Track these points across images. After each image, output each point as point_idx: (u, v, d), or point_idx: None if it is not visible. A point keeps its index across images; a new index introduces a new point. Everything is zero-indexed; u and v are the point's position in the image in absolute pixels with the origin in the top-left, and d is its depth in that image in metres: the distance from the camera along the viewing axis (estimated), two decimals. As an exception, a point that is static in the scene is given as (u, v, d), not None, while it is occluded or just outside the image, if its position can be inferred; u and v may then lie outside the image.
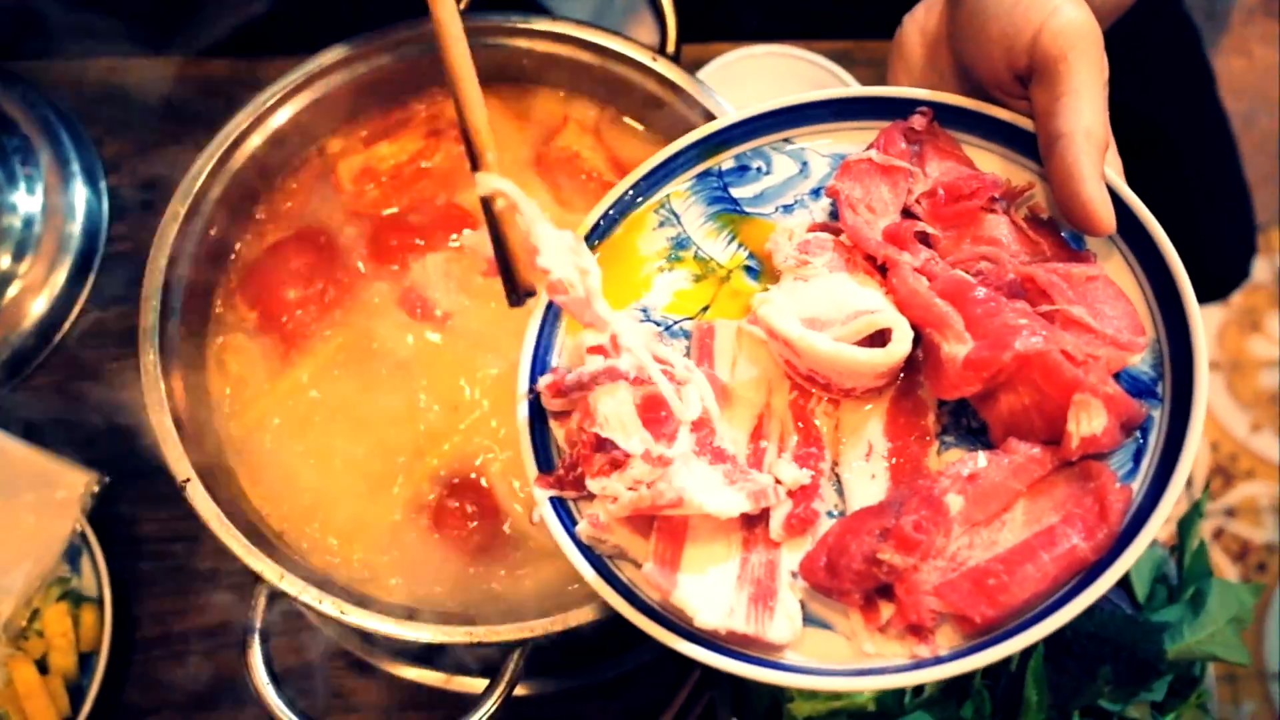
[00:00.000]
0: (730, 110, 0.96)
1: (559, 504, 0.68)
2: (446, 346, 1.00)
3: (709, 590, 0.63)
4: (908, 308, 0.65)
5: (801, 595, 0.64)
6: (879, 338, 0.65)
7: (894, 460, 0.65)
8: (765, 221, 0.75)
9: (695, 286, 0.76)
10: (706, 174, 0.78)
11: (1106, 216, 0.64)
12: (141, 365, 0.91)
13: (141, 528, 1.08)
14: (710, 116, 0.95)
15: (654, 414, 0.64)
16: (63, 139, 1.18)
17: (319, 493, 0.96)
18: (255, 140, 1.00)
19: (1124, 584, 0.94)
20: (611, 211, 0.77)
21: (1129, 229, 0.66)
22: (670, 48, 0.98)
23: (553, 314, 0.74)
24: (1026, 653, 0.86)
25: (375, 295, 1.01)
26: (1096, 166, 0.64)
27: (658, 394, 0.64)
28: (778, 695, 0.93)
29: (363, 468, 0.97)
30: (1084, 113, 0.65)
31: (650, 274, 0.76)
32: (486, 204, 0.64)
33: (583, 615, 0.81)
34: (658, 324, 0.74)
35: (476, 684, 1.01)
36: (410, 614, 0.86)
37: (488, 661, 0.87)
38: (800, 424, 0.68)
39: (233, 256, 1.04)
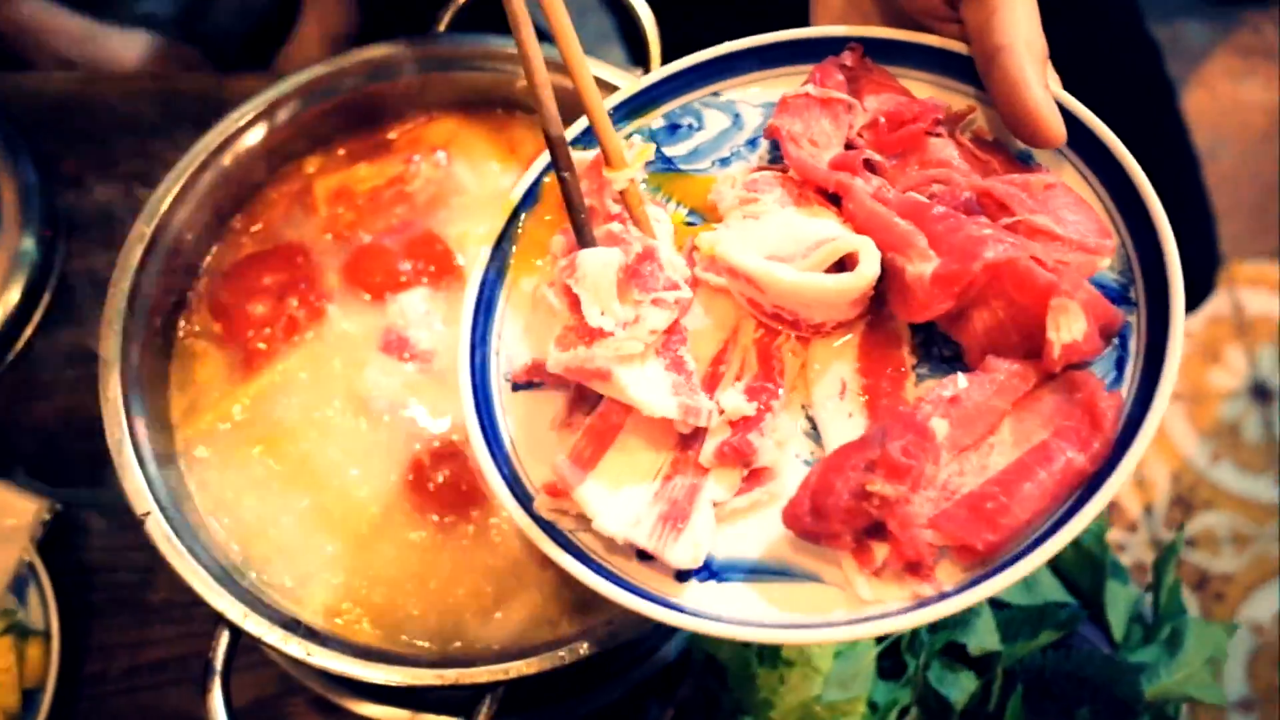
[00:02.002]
0: None
1: (513, 482, 0.63)
2: (427, 384, 0.95)
3: (619, 498, 0.59)
4: (866, 231, 0.61)
5: (780, 552, 0.59)
6: (844, 267, 0.61)
7: (869, 397, 0.61)
8: (700, 177, 0.71)
9: (635, 247, 0.71)
10: (636, 135, 0.74)
11: (1056, 125, 0.62)
12: (102, 396, 0.86)
13: (93, 557, 1.01)
14: None
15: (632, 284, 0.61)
16: (19, 154, 1.11)
17: (282, 520, 0.91)
18: (226, 159, 0.97)
19: (1101, 622, 0.93)
20: (544, 178, 0.72)
21: (1079, 139, 0.63)
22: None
23: (490, 280, 0.69)
24: (1005, 692, 0.84)
25: (349, 322, 0.96)
26: (1041, 75, 0.62)
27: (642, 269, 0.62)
28: None
29: (330, 495, 0.92)
30: (1021, 23, 0.63)
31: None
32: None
33: (557, 658, 0.77)
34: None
35: (445, 722, 0.95)
36: (380, 655, 0.80)
37: (457, 700, 0.81)
38: (763, 360, 0.63)
39: (203, 267, 0.99)
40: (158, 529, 0.82)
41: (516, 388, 0.67)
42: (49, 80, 1.20)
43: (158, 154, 0.98)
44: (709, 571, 0.59)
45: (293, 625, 0.79)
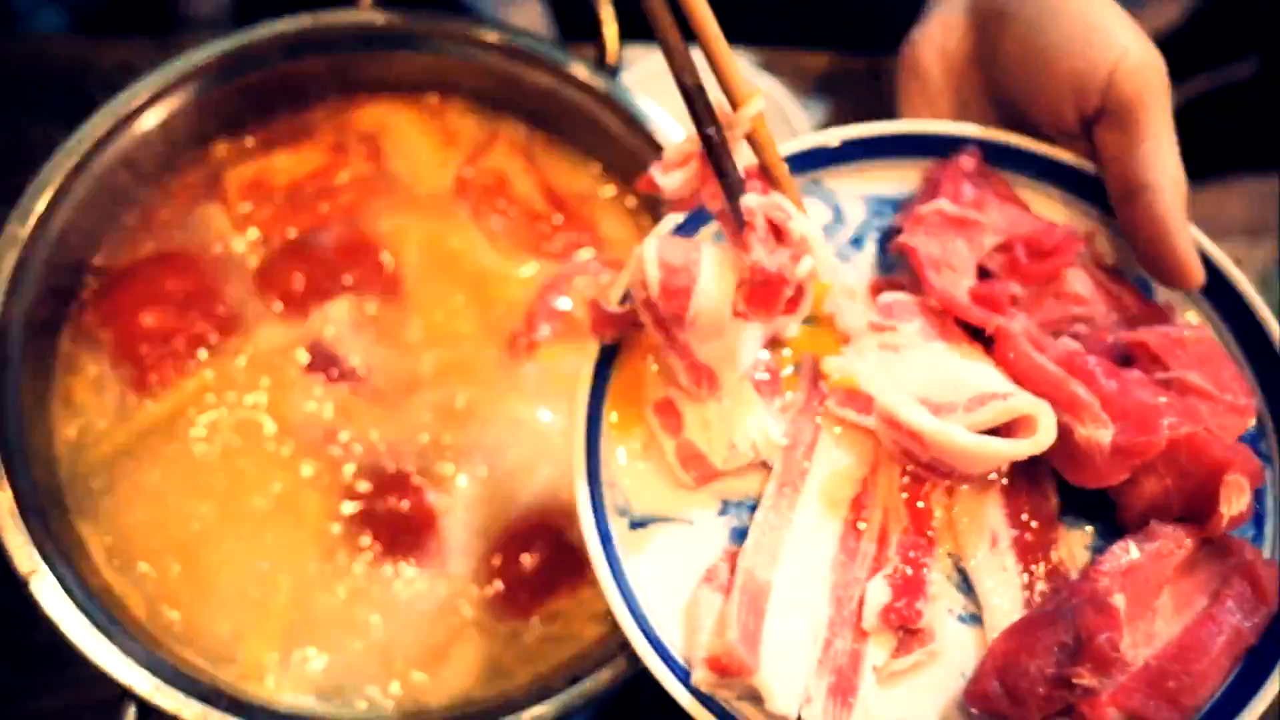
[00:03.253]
0: (679, 134, 0.85)
1: (658, 645, 0.58)
2: (361, 406, 0.83)
3: (787, 672, 0.56)
4: (1030, 384, 0.59)
5: (951, 715, 0.58)
6: (1007, 422, 0.59)
7: (1022, 549, 0.60)
8: (823, 284, 0.66)
9: (747, 359, 0.66)
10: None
11: (1199, 272, 0.62)
12: None
13: None
14: (654, 143, 0.84)
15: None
16: None
17: (199, 567, 0.80)
18: (118, 145, 0.83)
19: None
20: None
21: (1209, 283, 0.64)
22: (611, 59, 0.85)
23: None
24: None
25: (266, 337, 0.83)
26: (1185, 218, 0.62)
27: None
28: None
29: (251, 535, 0.81)
30: (1168, 161, 0.62)
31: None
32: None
33: None
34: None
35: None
36: None
37: None
38: (913, 513, 0.61)
39: (89, 273, 0.84)
40: (46, 590, 0.72)
41: (634, 525, 0.62)
42: None
43: (21, 134, 0.80)
44: (877, 742, 0.57)
45: (213, 697, 0.71)
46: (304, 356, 0.84)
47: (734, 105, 0.56)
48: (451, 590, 0.80)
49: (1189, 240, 0.61)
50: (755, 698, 0.56)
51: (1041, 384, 0.59)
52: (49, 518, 0.77)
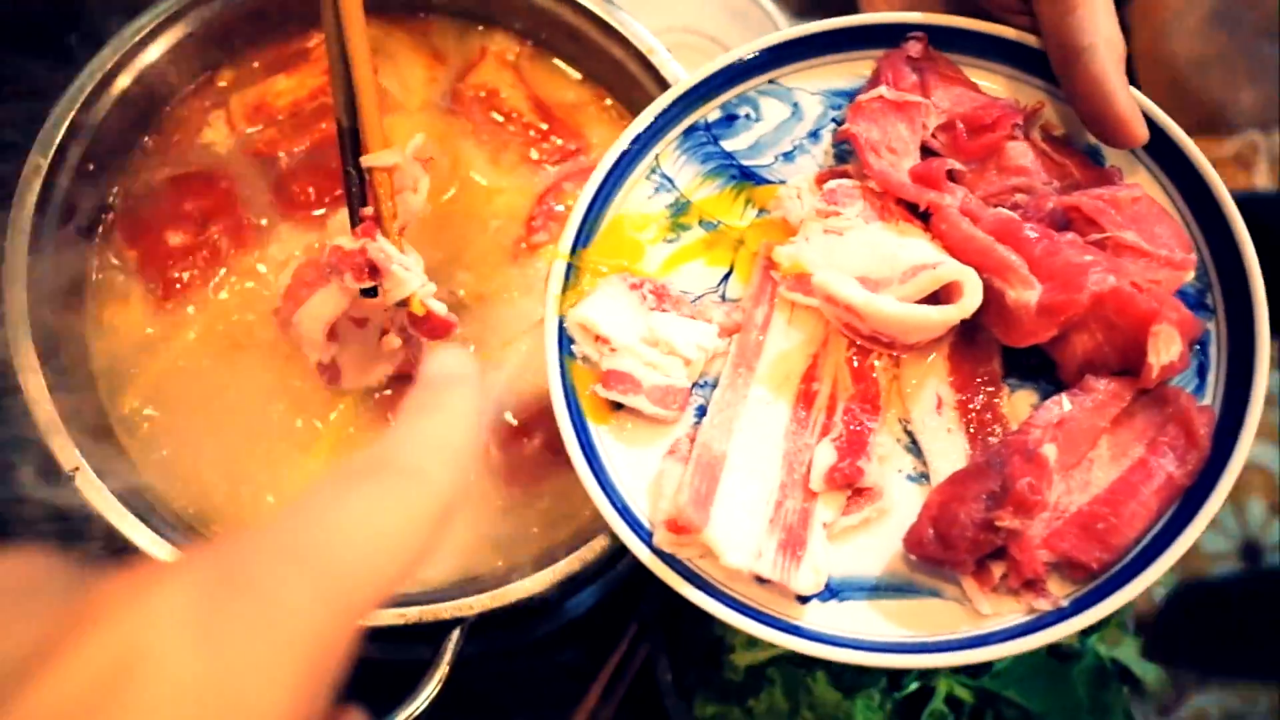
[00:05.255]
0: (654, 42, 0.89)
1: (625, 512, 0.64)
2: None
3: (739, 530, 0.61)
4: (962, 254, 0.62)
5: (899, 570, 0.62)
6: (940, 289, 0.62)
7: (965, 410, 0.64)
8: (773, 185, 0.71)
9: (709, 253, 0.71)
10: (692, 129, 0.72)
11: (1140, 127, 0.63)
12: (14, 349, 0.79)
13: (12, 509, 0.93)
14: (631, 49, 0.89)
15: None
16: None
17: (225, 466, 0.86)
18: (127, 77, 0.87)
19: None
20: (605, 187, 0.70)
21: (1153, 141, 0.65)
22: None
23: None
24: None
25: (282, 249, 0.90)
26: (1123, 76, 0.63)
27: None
28: (715, 646, 0.93)
29: (274, 429, 0.87)
30: (1102, 22, 0.63)
31: (656, 246, 0.71)
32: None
33: (524, 589, 0.77)
34: (675, 300, 0.69)
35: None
36: None
37: (417, 632, 0.82)
38: (858, 379, 0.65)
39: (111, 198, 0.91)
40: (89, 483, 0.77)
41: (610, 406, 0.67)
42: None
43: (24, 69, 0.87)
44: (829, 591, 0.62)
45: None
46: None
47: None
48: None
49: (1129, 97, 0.63)
50: (712, 557, 0.62)
51: (972, 252, 0.62)
52: (88, 423, 0.83)
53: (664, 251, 0.71)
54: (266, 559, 0.35)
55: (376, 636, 0.92)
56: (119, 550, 0.78)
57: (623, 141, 0.71)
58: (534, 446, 0.85)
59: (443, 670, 0.75)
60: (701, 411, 0.67)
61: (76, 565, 0.36)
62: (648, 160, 0.72)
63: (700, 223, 0.71)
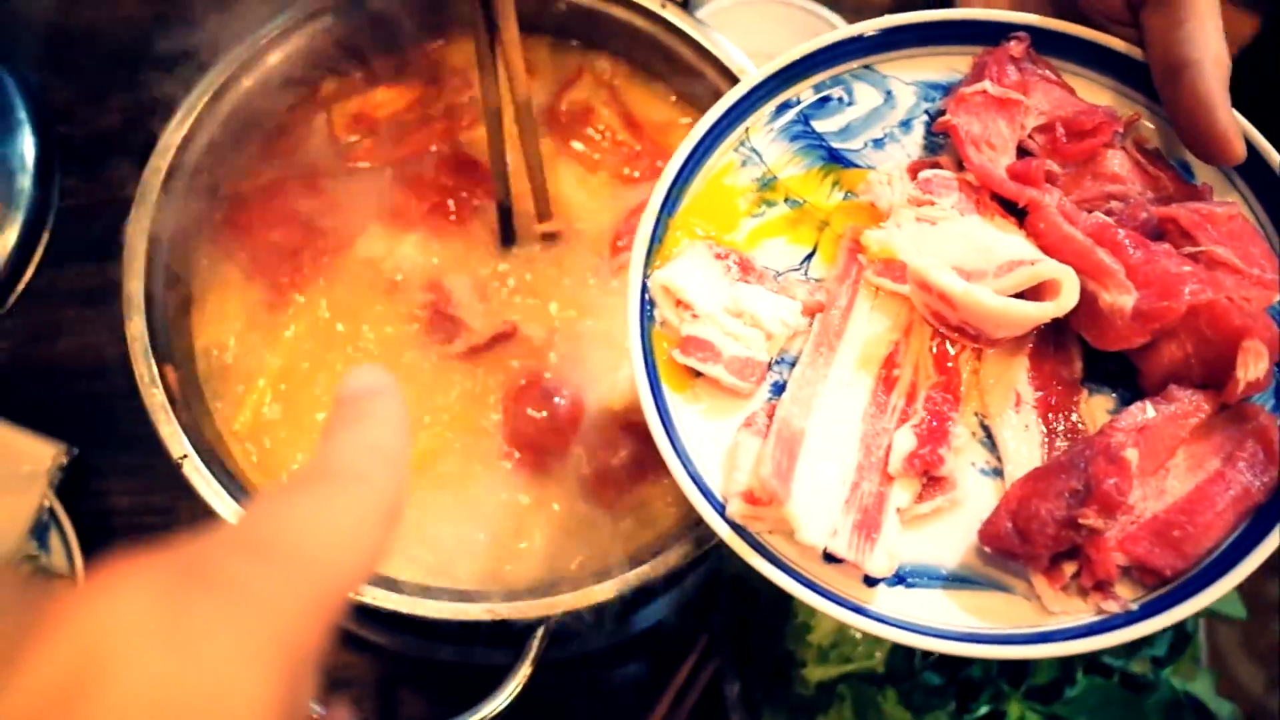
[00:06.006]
0: (747, 64, 0.90)
1: (698, 482, 0.63)
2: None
3: (816, 508, 0.61)
4: (1059, 254, 0.63)
5: (969, 561, 0.62)
6: (1033, 287, 0.63)
7: (1044, 409, 0.64)
8: (862, 170, 0.70)
9: (792, 231, 0.70)
10: (785, 106, 0.72)
11: (1240, 146, 0.63)
12: (129, 339, 0.81)
13: (113, 500, 0.98)
14: (724, 70, 0.90)
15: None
16: (5, 85, 0.98)
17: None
18: (240, 88, 0.91)
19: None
20: (696, 153, 0.70)
21: (1248, 162, 0.66)
22: None
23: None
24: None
25: (380, 249, 0.91)
26: (1226, 94, 0.63)
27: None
28: (784, 661, 0.93)
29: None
30: (1211, 39, 0.64)
31: (741, 220, 0.70)
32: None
33: (605, 591, 0.79)
34: (759, 274, 0.69)
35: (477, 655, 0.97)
36: (428, 591, 0.80)
37: (496, 635, 0.83)
38: (941, 369, 0.65)
39: (221, 199, 0.93)
40: (195, 472, 0.80)
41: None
42: (34, 5, 1.07)
43: (149, 82, 0.90)
44: (897, 577, 0.62)
45: None
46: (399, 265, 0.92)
47: None
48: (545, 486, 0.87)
49: (1229, 115, 0.63)
50: (785, 531, 0.62)
51: (1069, 253, 0.62)
52: (194, 412, 0.86)
53: (748, 225, 0.70)
54: (230, 555, 0.34)
55: (455, 637, 0.92)
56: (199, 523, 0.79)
57: (716, 110, 0.70)
58: (621, 459, 0.86)
59: (525, 671, 0.77)
60: (777, 388, 0.67)
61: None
62: (738, 133, 0.71)
63: (786, 200, 0.71)
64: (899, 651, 0.92)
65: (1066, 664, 0.90)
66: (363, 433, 0.42)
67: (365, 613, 0.95)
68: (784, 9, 1.06)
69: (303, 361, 0.91)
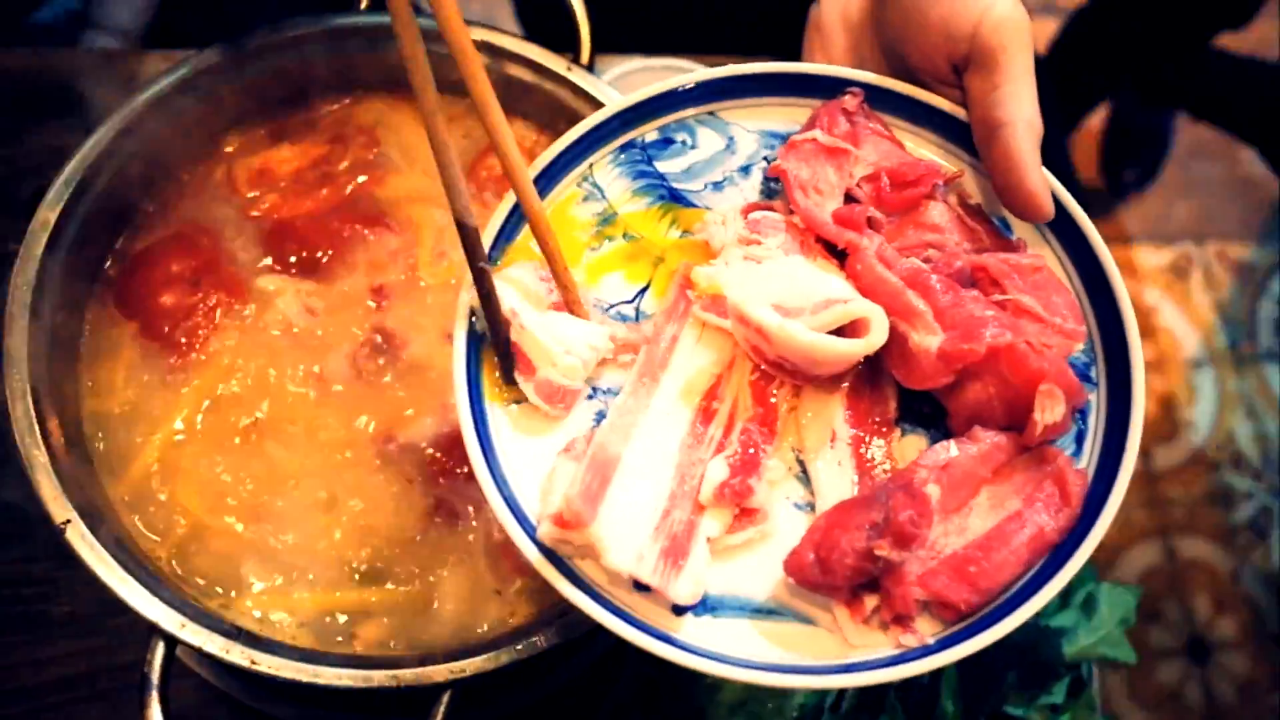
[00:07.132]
0: None
1: (511, 502, 0.63)
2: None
3: (624, 532, 0.61)
4: (874, 295, 0.65)
5: (776, 593, 0.63)
6: (848, 325, 0.64)
7: (857, 447, 0.66)
8: (700, 210, 0.72)
9: (629, 266, 0.72)
10: (629, 145, 0.74)
11: (1048, 205, 0.66)
12: (9, 394, 0.78)
13: None
14: None
15: None
16: None
17: (210, 513, 0.86)
18: (136, 140, 0.89)
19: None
20: (539, 183, 0.71)
21: (1057, 220, 0.69)
22: (584, 58, 0.92)
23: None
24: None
25: (280, 309, 0.91)
26: (1037, 155, 0.67)
27: None
28: (699, 711, 0.92)
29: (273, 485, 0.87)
30: (1024, 103, 0.67)
31: (582, 251, 0.71)
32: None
33: (515, 652, 0.77)
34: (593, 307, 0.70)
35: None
36: (327, 659, 0.77)
37: (409, 700, 0.80)
38: (759, 402, 0.66)
39: (112, 256, 0.92)
40: (78, 537, 0.77)
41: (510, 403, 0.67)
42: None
43: (42, 133, 0.88)
44: (705, 606, 0.62)
45: (234, 633, 0.75)
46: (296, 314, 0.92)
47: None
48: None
49: (1039, 175, 0.66)
50: (595, 557, 0.61)
51: (882, 294, 0.64)
52: (78, 474, 0.82)
53: (587, 258, 0.71)
54: None
55: (359, 704, 0.89)
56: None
57: (561, 143, 0.72)
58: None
59: None
60: (601, 416, 0.67)
61: None
62: (581, 168, 0.73)
63: (624, 234, 0.72)
64: (807, 707, 0.92)
65: (970, 712, 0.90)
66: None
67: (263, 685, 0.91)
68: (687, 75, 1.10)
69: (196, 420, 0.89)
